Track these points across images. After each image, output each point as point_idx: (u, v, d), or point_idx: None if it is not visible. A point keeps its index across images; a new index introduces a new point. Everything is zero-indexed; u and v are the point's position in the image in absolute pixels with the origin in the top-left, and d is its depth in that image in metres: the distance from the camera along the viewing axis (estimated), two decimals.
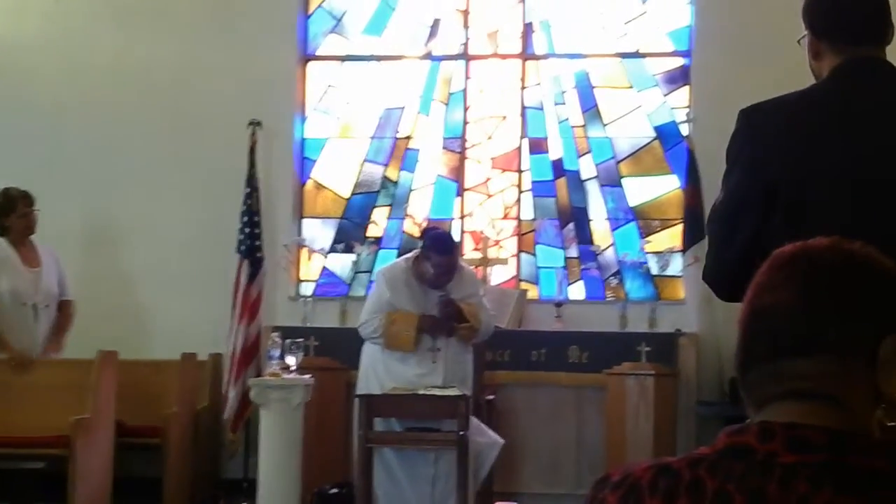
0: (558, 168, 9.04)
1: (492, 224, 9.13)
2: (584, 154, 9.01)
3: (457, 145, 9.22)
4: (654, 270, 8.79)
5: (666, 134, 8.92)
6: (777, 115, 2.91)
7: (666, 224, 8.87)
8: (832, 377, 1.42)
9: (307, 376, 7.13)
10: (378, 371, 7.06)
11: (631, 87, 9.01)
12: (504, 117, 9.20)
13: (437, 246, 7.05)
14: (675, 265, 8.59)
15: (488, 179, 9.19)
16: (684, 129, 8.71)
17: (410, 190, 9.19)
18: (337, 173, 9.27)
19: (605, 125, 9.01)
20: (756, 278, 1.50)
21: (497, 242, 9.06)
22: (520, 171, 9.12)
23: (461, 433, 6.73)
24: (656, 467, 1.43)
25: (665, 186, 8.91)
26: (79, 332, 8.19)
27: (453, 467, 6.80)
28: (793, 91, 2.95)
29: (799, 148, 2.85)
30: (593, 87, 9.06)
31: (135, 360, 7.98)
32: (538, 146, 9.11)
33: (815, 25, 2.97)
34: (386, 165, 9.23)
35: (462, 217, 9.13)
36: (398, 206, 9.18)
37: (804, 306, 1.44)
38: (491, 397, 7.76)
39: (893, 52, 2.98)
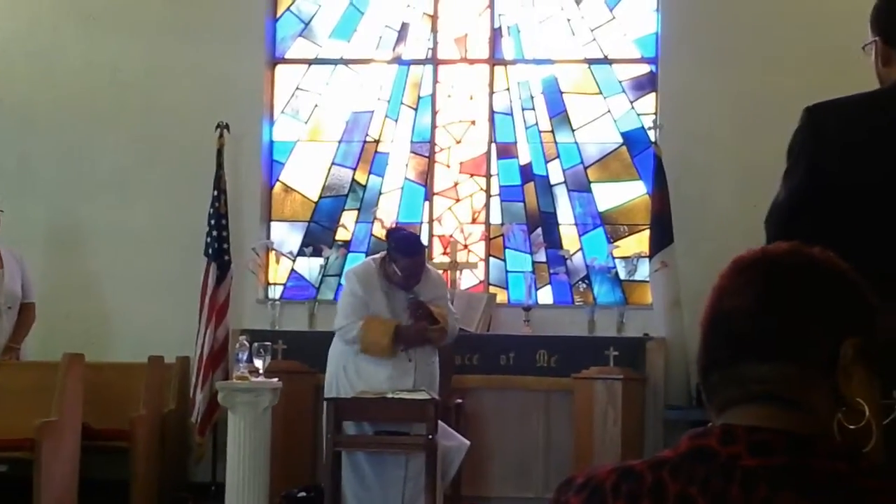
0: (527, 173, 9.06)
1: (460, 228, 9.13)
2: (552, 159, 9.03)
3: (425, 149, 9.22)
4: (622, 275, 8.81)
5: (633, 140, 8.95)
6: (840, 113, 2.92)
7: (633, 229, 8.90)
8: (792, 381, 1.43)
9: (275, 380, 7.11)
10: (349, 373, 7.02)
11: (599, 92, 9.04)
12: (473, 122, 9.21)
13: (404, 248, 7.00)
14: (643, 270, 8.61)
15: (457, 184, 9.19)
16: (651, 136, 8.74)
17: (379, 194, 9.18)
18: (305, 176, 9.25)
19: (573, 130, 9.03)
20: (717, 282, 1.51)
21: (466, 247, 9.06)
22: (488, 176, 9.13)
23: (430, 437, 6.73)
24: (619, 470, 1.44)
25: (632, 192, 8.94)
26: (45, 334, 8.15)
27: (422, 469, 6.79)
28: (859, 92, 2.95)
29: (860, 147, 2.85)
30: (562, 93, 9.08)
31: (101, 362, 7.94)
32: (507, 151, 9.13)
33: (887, 32, 2.96)
34: (354, 169, 9.21)
35: (430, 221, 9.13)
36: (367, 209, 9.17)
37: (764, 310, 1.45)
38: (459, 401, 7.76)
39: None
